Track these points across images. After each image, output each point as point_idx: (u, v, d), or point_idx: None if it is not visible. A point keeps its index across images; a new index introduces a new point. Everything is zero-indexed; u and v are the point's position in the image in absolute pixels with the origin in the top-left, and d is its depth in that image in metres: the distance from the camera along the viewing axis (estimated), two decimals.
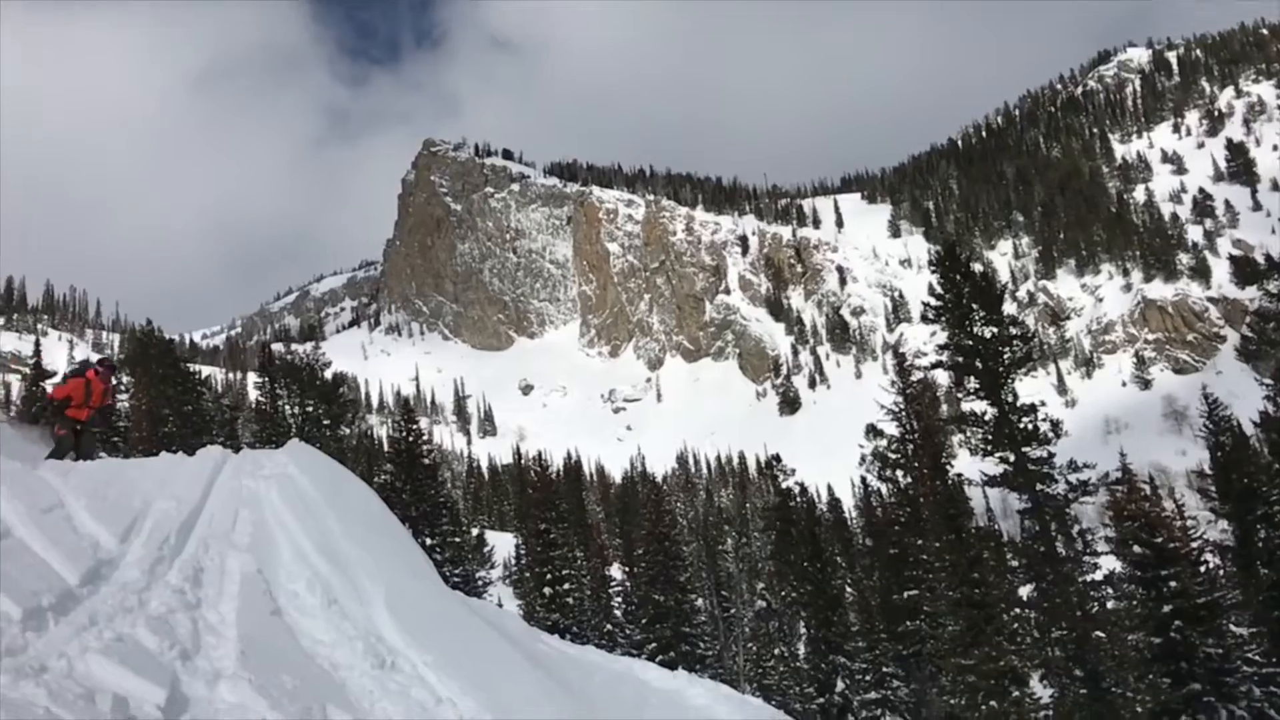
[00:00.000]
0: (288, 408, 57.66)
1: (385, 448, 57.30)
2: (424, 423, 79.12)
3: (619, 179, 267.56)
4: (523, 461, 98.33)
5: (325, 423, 57.63)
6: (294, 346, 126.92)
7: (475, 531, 58.22)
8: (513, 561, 56.16)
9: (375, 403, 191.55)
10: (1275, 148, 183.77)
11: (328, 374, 68.15)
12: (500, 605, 29.28)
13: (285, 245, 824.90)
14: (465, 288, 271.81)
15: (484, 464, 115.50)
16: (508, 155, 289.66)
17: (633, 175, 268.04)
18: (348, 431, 65.56)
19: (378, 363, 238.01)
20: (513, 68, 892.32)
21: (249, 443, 42.44)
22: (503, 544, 60.99)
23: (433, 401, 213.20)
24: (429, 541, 33.69)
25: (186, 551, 8.90)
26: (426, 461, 38.08)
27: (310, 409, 57.62)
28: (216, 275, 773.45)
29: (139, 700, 5.25)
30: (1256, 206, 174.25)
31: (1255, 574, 25.20)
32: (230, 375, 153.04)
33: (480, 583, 40.61)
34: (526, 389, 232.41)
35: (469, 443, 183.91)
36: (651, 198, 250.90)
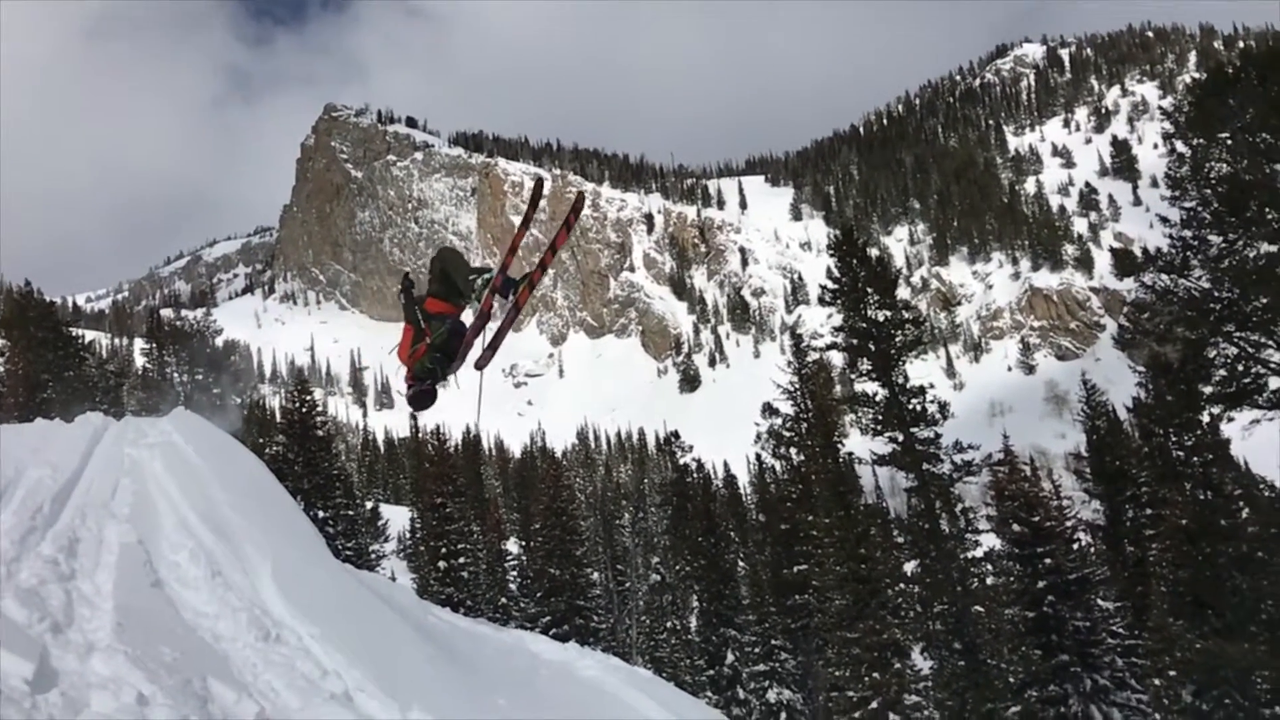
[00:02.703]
0: (176, 375, 55.91)
1: (278, 418, 55.94)
2: (319, 394, 77.50)
3: (525, 152, 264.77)
4: (420, 435, 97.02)
5: (215, 391, 56.08)
6: (184, 312, 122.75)
7: (370, 505, 57.37)
8: (408, 535, 55.56)
9: (268, 372, 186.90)
10: (1155, 146, 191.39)
11: (219, 341, 66.24)
12: (394, 579, 29.01)
13: (177, 208, 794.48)
14: (364, 257, 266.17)
15: (380, 437, 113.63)
16: (411, 123, 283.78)
17: (539, 149, 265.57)
18: (239, 401, 63.89)
19: (272, 331, 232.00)
20: (421, 35, 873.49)
21: (134, 411, 41.01)
22: (398, 518, 60.20)
23: (328, 372, 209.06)
24: (322, 515, 33.09)
25: (61, 521, 8.62)
26: (320, 433, 37.28)
27: (200, 377, 55.98)
28: (103, 236, 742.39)
29: (4, 674, 5.08)
30: (1137, 202, 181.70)
31: (1122, 551, 26.53)
32: (116, 341, 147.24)
33: (374, 556, 40.09)
34: None
35: (365, 415, 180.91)
36: (558, 172, 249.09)
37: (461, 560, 33.66)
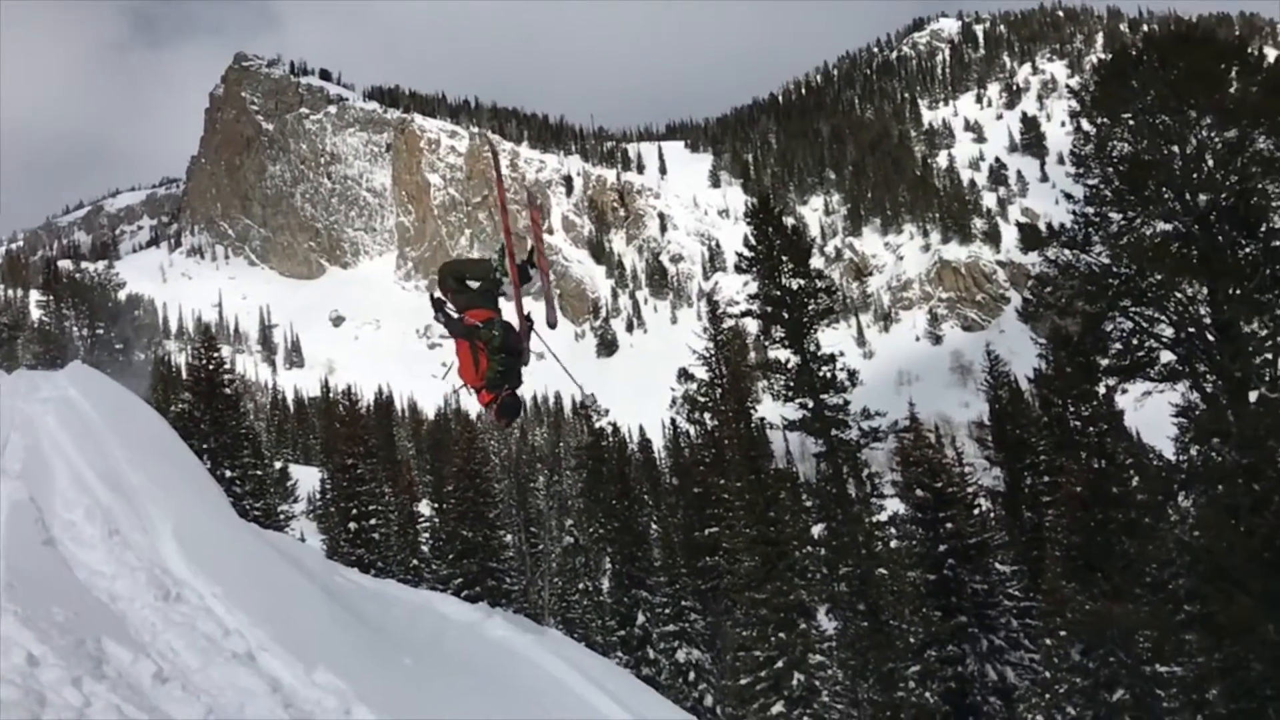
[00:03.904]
0: (75, 329, 54.04)
1: (184, 375, 54.44)
2: (226, 351, 75.61)
3: (442, 108, 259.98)
4: (331, 395, 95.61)
5: (118, 347, 54.35)
6: (84, 264, 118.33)
7: (279, 465, 56.49)
8: (318, 496, 54.81)
9: (174, 328, 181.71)
10: (1063, 124, 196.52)
11: (121, 295, 64.14)
12: (303, 540, 28.61)
13: (77, 155, 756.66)
14: (275, 212, 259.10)
15: (290, 396, 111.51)
16: (325, 75, 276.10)
17: (457, 105, 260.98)
18: (143, 357, 62.03)
19: (178, 286, 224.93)
20: None
21: (29, 365, 39.47)
22: (307, 478, 59.35)
23: (236, 329, 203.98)
24: (229, 474, 32.43)
25: None
26: (228, 391, 36.45)
27: (101, 332, 54.19)
28: None
29: None
30: (1044, 178, 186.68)
31: (1020, 517, 27.50)
32: (10, 292, 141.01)
33: (283, 517, 39.50)
34: (338, 320, 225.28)
35: (274, 374, 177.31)
36: (476, 130, 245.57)
37: (372, 522, 33.39)
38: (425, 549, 38.02)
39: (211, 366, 35.43)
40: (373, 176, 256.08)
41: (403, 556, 35.51)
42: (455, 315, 8.88)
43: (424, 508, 46.17)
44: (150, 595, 7.04)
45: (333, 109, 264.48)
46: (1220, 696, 18.28)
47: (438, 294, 9.30)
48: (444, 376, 8.67)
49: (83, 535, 7.90)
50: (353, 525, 32.66)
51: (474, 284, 9.21)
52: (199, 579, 7.53)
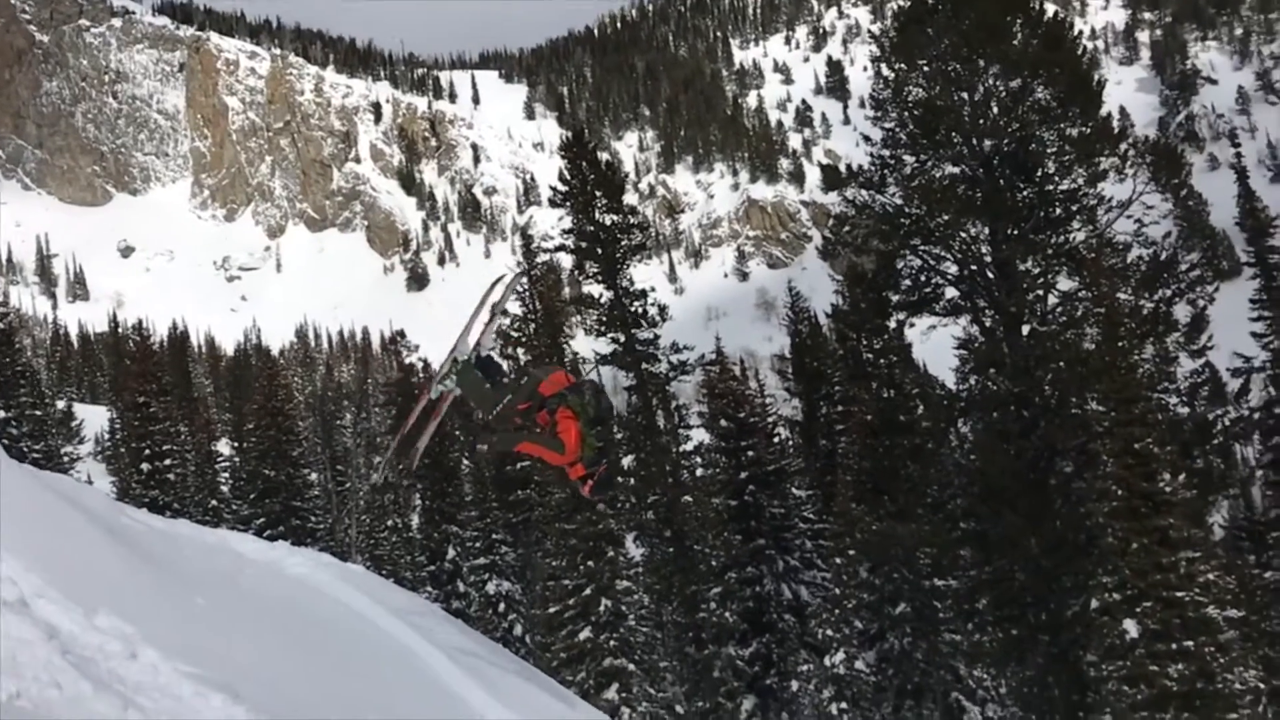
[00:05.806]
0: None
1: None
2: None
3: (241, 27, 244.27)
4: (120, 330, 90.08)
5: None
6: None
7: (62, 404, 53.05)
8: (106, 437, 51.75)
9: None
10: (865, 69, 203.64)
11: None
12: (90, 482, 27.06)
13: None
14: (53, 132, 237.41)
15: (74, 331, 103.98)
16: None
17: (257, 25, 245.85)
18: None
19: None
20: None
21: None
22: (95, 418, 55.88)
23: (9, 259, 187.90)
24: (3, 414, 30.32)
25: None
26: (1, 326, 33.84)
27: None
28: None
29: None
30: (846, 120, 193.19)
31: (816, 444, 28.99)
32: None
33: (67, 459, 37.23)
34: (127, 251, 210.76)
35: (55, 307, 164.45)
36: (278, 52, 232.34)
37: (168, 462, 31.93)
38: (225, 489, 36.73)
39: None
40: (164, 98, 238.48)
41: (201, 497, 34.24)
42: (517, 419, 7.84)
43: (223, 447, 44.43)
44: None
45: (117, 22, 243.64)
46: (989, 606, 20.05)
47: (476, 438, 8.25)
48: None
49: None
50: (146, 466, 31.14)
51: (499, 377, 8.22)
52: None
